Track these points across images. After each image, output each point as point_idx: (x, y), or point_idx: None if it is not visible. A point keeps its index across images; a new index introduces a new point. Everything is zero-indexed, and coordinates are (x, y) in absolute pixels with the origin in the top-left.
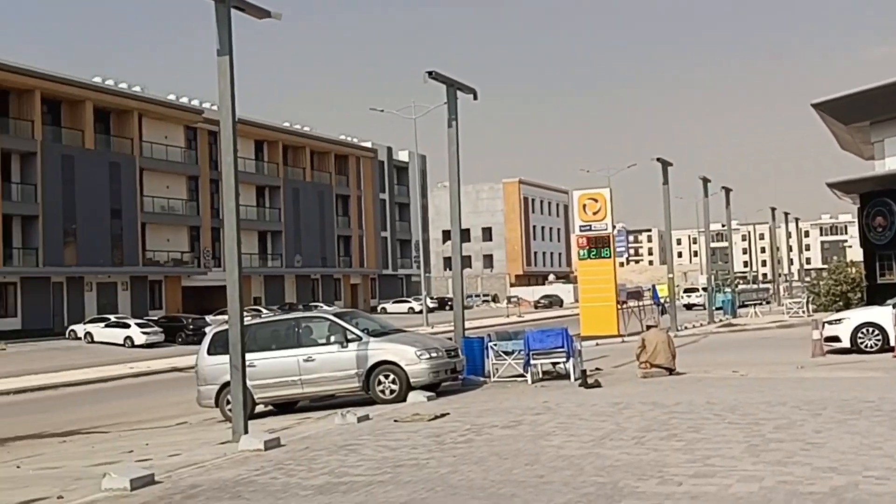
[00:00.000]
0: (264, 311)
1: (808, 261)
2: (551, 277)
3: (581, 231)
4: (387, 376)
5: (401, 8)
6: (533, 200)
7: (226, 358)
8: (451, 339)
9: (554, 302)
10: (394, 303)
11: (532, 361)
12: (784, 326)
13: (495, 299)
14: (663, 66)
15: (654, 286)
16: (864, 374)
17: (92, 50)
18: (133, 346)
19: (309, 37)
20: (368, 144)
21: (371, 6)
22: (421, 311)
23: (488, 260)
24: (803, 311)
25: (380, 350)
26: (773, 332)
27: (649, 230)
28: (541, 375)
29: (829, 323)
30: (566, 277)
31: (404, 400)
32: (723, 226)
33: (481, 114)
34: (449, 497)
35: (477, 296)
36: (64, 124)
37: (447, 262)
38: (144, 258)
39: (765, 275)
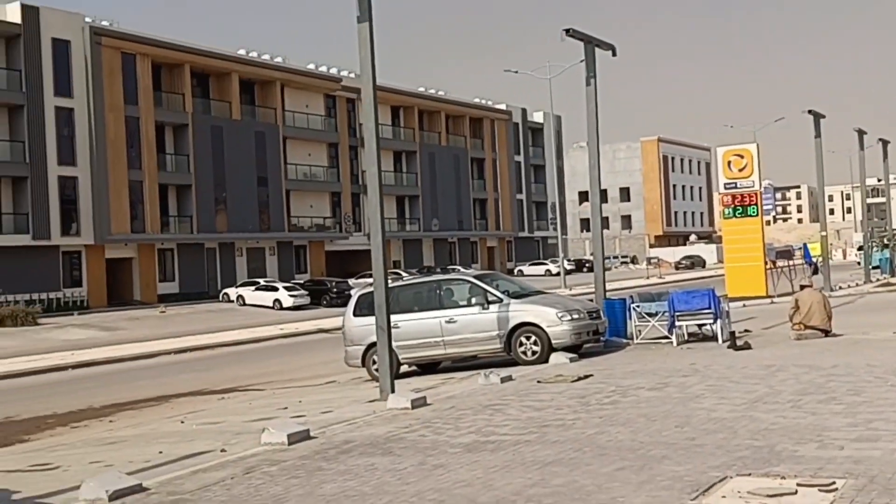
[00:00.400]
0: (404, 274)
1: None
2: (692, 237)
3: (726, 189)
4: (528, 338)
5: None
6: (672, 159)
7: (371, 319)
8: (591, 300)
9: (695, 263)
10: (530, 265)
11: (677, 323)
12: None
13: (634, 261)
14: (811, 14)
15: (805, 245)
16: None
17: (234, 22)
18: (281, 308)
19: (441, 1)
20: (503, 107)
21: None
22: (558, 274)
23: (626, 221)
24: None
25: (521, 312)
26: None
27: (798, 187)
28: (686, 337)
29: None
30: (708, 237)
31: (546, 361)
32: (879, 180)
33: (619, 71)
34: (597, 457)
35: (615, 257)
36: (212, 96)
37: (584, 224)
38: (289, 224)
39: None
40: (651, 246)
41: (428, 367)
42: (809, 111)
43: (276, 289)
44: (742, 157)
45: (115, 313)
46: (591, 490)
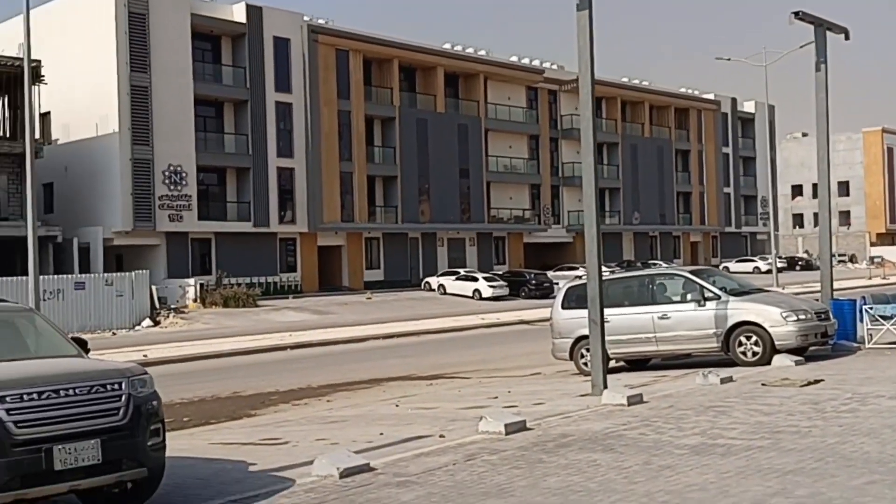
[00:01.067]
0: (603, 268)
1: None
2: None
3: None
4: (749, 337)
5: None
6: None
7: (579, 312)
8: (816, 300)
9: None
10: (737, 262)
11: None
12: None
13: (853, 259)
14: None
15: None
16: None
17: (440, 16)
18: (481, 298)
19: None
20: (711, 96)
21: None
22: (768, 271)
23: (845, 217)
24: None
25: (741, 310)
26: None
27: None
28: None
29: None
30: None
31: (768, 363)
32: None
33: (840, 56)
34: (842, 468)
35: (833, 255)
36: (418, 90)
37: (795, 220)
38: (489, 215)
39: None
40: (872, 244)
41: (636, 364)
42: None
43: (475, 279)
44: None
45: (325, 298)
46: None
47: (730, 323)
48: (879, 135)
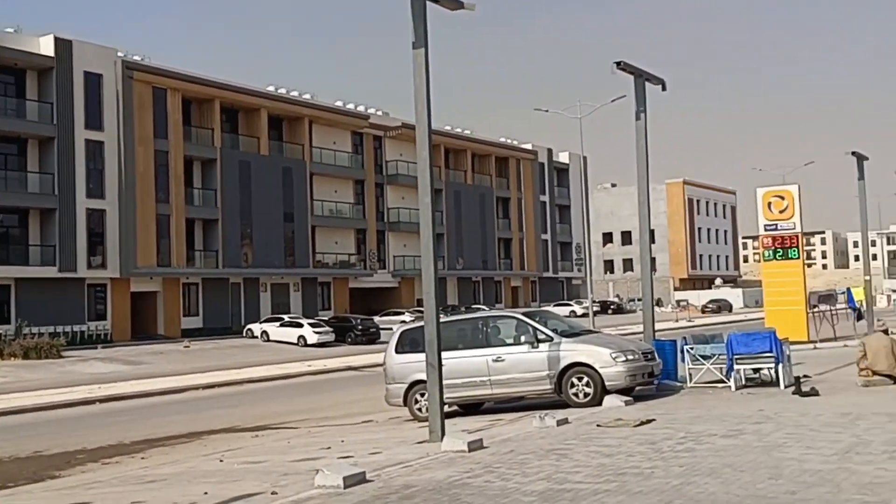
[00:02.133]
0: None
1: None
2: (718, 281)
3: (766, 231)
4: (580, 378)
5: (552, 11)
6: (698, 201)
7: (414, 356)
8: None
9: (722, 307)
10: (554, 306)
11: (735, 366)
12: None
13: (659, 303)
14: (843, 60)
15: (849, 290)
16: None
17: (264, 58)
18: (306, 344)
19: (467, 41)
20: (529, 146)
21: (525, 10)
22: (583, 315)
23: (651, 263)
24: None
25: (573, 351)
26: None
27: (822, 232)
28: (744, 382)
29: None
30: (733, 281)
31: (599, 404)
32: None
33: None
34: None
35: (639, 299)
36: (241, 132)
37: (607, 266)
38: (314, 260)
39: None
40: (676, 289)
41: (469, 408)
42: (854, 153)
43: (300, 325)
44: (783, 198)
45: (138, 347)
46: None
47: (562, 364)
48: (681, 186)
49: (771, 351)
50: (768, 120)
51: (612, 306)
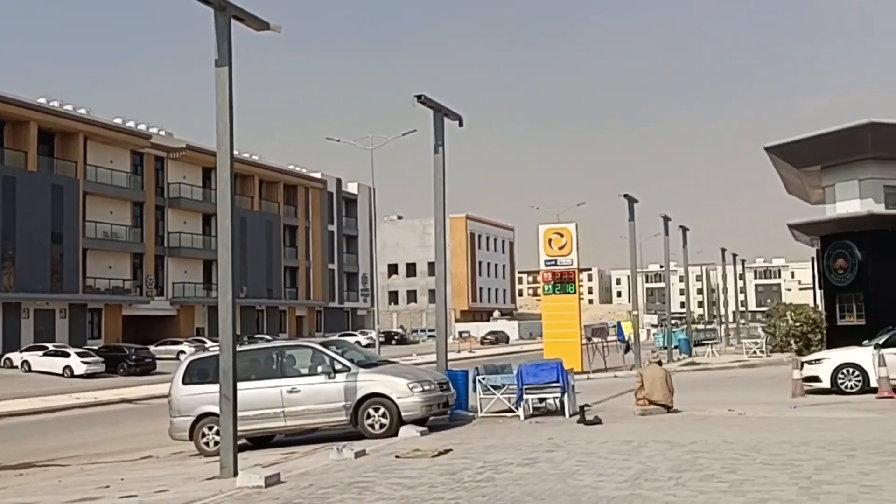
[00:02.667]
0: (208, 342)
1: (743, 303)
2: (496, 314)
3: (546, 266)
4: (377, 409)
5: (341, 46)
6: (479, 236)
7: (202, 388)
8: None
9: (500, 338)
10: (339, 336)
11: (524, 396)
12: (746, 366)
13: None
14: (613, 110)
15: (619, 323)
16: (862, 415)
17: (38, 72)
18: (72, 375)
19: (257, 65)
20: (318, 175)
21: (317, 42)
22: (369, 345)
23: (434, 295)
24: (762, 351)
25: (369, 382)
26: (738, 372)
27: (589, 269)
28: (531, 411)
29: (809, 363)
30: (510, 314)
31: (395, 434)
32: (661, 266)
33: (423, 148)
34: None
35: (422, 330)
36: (6, 145)
37: (391, 297)
38: (84, 285)
39: (700, 316)
40: (457, 320)
41: (259, 441)
42: (625, 195)
43: (67, 354)
44: (562, 235)
45: None
46: None
47: (359, 395)
48: (464, 221)
49: (558, 381)
50: (542, 161)
51: (395, 337)
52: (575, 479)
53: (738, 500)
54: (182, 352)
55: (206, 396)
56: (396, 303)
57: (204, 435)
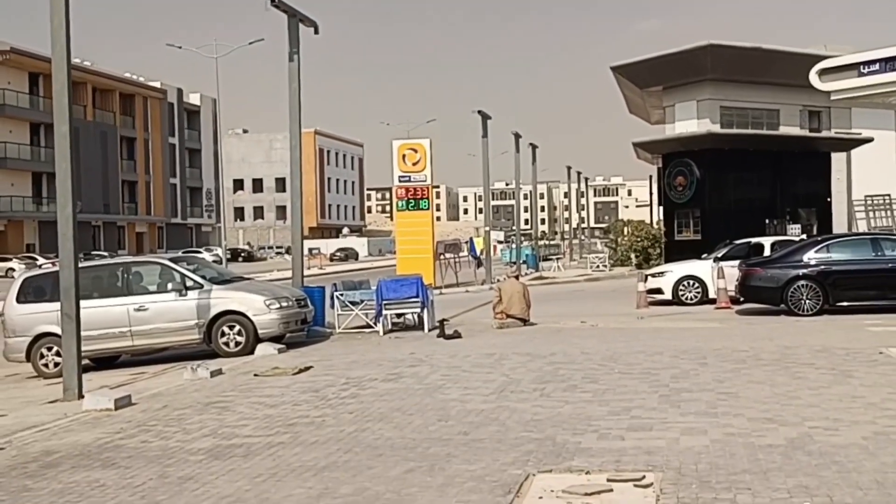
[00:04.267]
0: (41, 259)
1: (584, 219)
2: (345, 230)
3: (400, 182)
4: (232, 327)
5: None
6: (328, 152)
7: (39, 307)
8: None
9: (349, 255)
10: (183, 253)
11: (384, 312)
12: (591, 280)
13: (289, 251)
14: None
15: (471, 239)
16: (705, 325)
17: None
18: None
19: None
20: (157, 84)
21: None
22: (215, 262)
23: (282, 211)
24: (604, 265)
25: (224, 299)
26: (584, 286)
27: (438, 186)
28: (390, 326)
29: (652, 276)
30: (359, 231)
31: (252, 353)
32: (507, 185)
33: (270, 59)
34: (374, 458)
35: (270, 247)
36: None
37: (238, 213)
38: None
39: (544, 232)
40: (304, 237)
41: (102, 362)
42: (479, 112)
43: None
44: (416, 151)
45: None
46: (392, 498)
47: (213, 313)
48: (313, 136)
49: (418, 296)
50: (395, 75)
51: (242, 254)
52: (441, 394)
53: (603, 410)
54: (12, 269)
55: (43, 315)
56: (243, 219)
57: (42, 356)
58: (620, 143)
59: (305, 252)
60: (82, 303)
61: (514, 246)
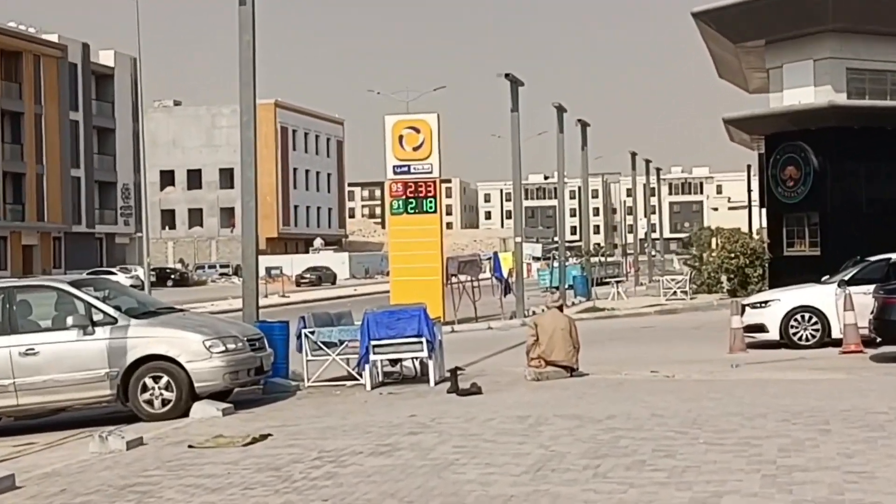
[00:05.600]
0: None
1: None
2: (317, 243)
3: (396, 173)
4: (157, 379)
5: None
6: (295, 133)
7: None
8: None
9: (324, 277)
10: (88, 274)
11: (373, 357)
12: (665, 312)
13: (237, 272)
14: None
15: (496, 255)
16: (827, 376)
17: None
18: None
19: None
20: (54, 38)
21: None
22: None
23: (228, 214)
24: (684, 292)
25: (146, 339)
26: (656, 320)
27: (448, 181)
28: (381, 378)
29: (752, 307)
30: (338, 244)
31: (185, 415)
32: (546, 178)
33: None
34: None
35: (211, 266)
36: None
37: (165, 217)
38: None
39: (598, 245)
40: (260, 252)
41: None
42: (506, 75)
43: None
44: (418, 130)
45: None
46: None
47: (131, 358)
48: (273, 110)
49: (420, 335)
50: (387, 26)
51: (173, 275)
52: (454, 474)
53: (684, 496)
54: None
55: None
56: (173, 227)
57: None
58: (707, 120)
59: (262, 273)
60: None
61: (555, 264)
